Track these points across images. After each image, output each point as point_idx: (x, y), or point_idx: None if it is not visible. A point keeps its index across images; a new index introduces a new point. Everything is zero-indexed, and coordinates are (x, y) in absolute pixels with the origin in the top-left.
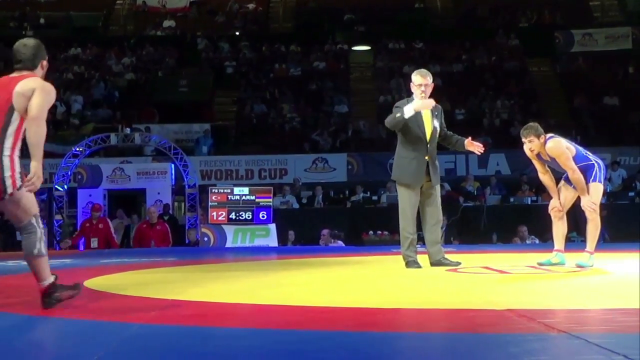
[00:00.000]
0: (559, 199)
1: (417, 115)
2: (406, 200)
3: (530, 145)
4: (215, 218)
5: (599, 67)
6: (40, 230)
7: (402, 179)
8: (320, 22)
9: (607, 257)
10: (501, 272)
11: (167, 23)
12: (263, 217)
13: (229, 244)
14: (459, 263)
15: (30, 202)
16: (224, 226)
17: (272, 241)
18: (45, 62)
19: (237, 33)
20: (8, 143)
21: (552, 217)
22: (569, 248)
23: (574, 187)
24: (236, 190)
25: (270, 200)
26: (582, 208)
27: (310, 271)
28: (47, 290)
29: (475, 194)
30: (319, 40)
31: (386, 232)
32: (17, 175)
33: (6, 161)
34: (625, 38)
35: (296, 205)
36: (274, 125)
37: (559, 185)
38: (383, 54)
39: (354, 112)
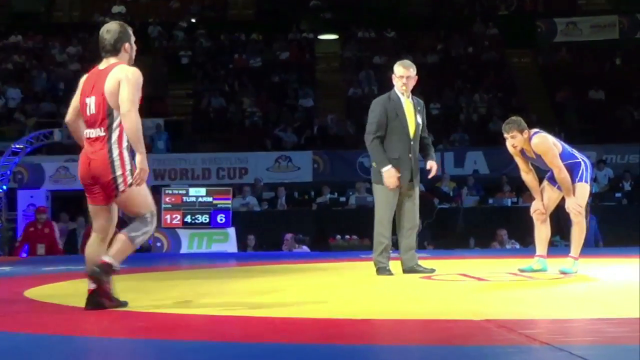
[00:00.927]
0: (542, 200)
1: (400, 112)
2: (384, 203)
3: (512, 141)
4: (169, 221)
5: (584, 59)
6: (150, 229)
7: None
8: (284, 8)
9: (593, 262)
10: (479, 279)
11: (116, 9)
12: (221, 220)
13: (184, 250)
14: (434, 270)
15: (144, 198)
16: (178, 230)
17: (231, 246)
18: (128, 45)
19: (193, 20)
20: (114, 140)
21: (534, 220)
22: (552, 253)
23: (558, 188)
24: (192, 191)
25: (229, 202)
26: (567, 210)
27: (273, 279)
28: (103, 264)
29: (451, 195)
30: (282, 28)
31: (355, 237)
32: (128, 173)
33: (117, 160)
34: (611, 27)
35: (257, 208)
36: (233, 121)
37: (542, 185)
38: (352, 44)
39: (321, 106)
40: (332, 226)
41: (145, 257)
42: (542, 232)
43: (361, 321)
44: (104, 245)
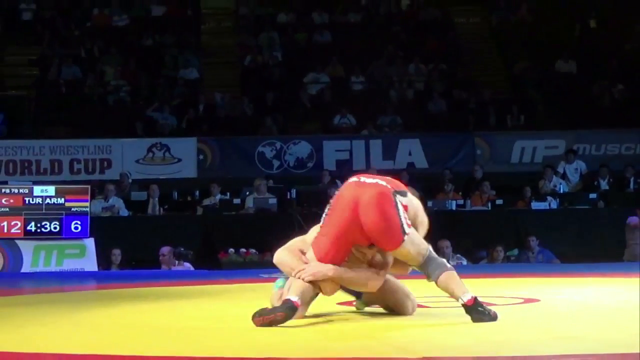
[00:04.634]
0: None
1: None
2: None
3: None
4: (6, 230)
5: (550, 20)
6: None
7: None
8: None
9: (561, 283)
10: (417, 305)
11: None
12: (76, 228)
13: (26, 268)
14: None
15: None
16: (18, 242)
17: (90, 263)
18: None
19: None
20: None
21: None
22: (508, 270)
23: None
24: (36, 189)
25: (87, 204)
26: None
27: (144, 307)
28: None
29: None
30: None
31: (253, 250)
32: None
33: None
34: None
35: (124, 212)
36: (92, 97)
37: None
38: None
39: (208, 79)
40: (222, 236)
41: None
42: None
43: None
44: None
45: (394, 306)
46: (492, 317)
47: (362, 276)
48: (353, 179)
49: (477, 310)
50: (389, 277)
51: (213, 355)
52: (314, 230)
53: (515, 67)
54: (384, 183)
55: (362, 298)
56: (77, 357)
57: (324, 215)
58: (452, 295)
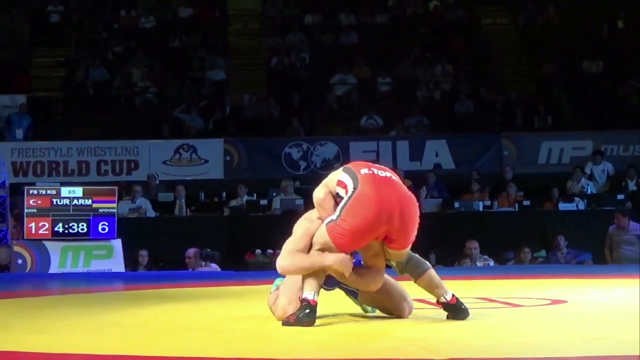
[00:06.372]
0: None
1: None
2: None
3: None
4: (33, 231)
5: (577, 20)
6: None
7: None
8: None
9: (589, 284)
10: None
11: None
12: (103, 229)
13: (54, 269)
14: None
15: None
16: (46, 243)
17: (117, 264)
18: None
19: None
20: None
21: None
22: (536, 272)
23: None
24: (64, 191)
25: (114, 205)
26: None
27: (170, 307)
28: None
29: None
30: None
31: (280, 252)
32: None
33: None
34: None
35: (151, 213)
36: (119, 99)
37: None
38: None
39: (235, 81)
40: (249, 237)
41: (1, 278)
42: None
43: None
44: None
45: (390, 308)
46: (467, 313)
47: (369, 277)
48: (364, 170)
49: (459, 309)
50: (386, 277)
51: (239, 356)
52: (308, 217)
53: (543, 67)
54: (396, 177)
55: (357, 298)
56: (104, 357)
57: (340, 209)
58: (433, 293)
